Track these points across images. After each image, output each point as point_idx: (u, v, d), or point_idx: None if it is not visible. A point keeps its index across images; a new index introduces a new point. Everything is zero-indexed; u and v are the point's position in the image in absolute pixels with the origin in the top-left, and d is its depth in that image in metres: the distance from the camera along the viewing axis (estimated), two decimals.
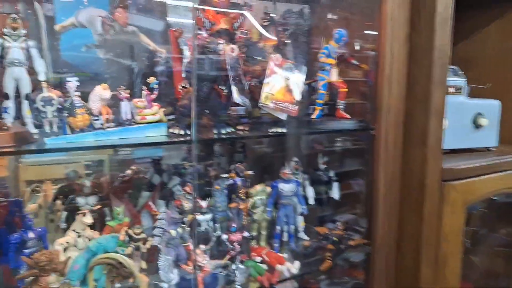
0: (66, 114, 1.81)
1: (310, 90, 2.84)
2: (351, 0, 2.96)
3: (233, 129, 2.25)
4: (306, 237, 2.82)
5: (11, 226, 2.13)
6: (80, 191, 2.32)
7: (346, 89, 2.68)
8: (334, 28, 2.66)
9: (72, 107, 1.82)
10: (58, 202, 2.40)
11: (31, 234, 2.07)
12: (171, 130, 2.12)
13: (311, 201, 2.84)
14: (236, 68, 2.13)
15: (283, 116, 2.30)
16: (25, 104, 1.92)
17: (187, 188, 2.45)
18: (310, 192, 2.84)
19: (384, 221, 2.59)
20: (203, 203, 2.39)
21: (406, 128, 2.59)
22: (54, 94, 1.78)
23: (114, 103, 2.01)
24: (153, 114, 2.07)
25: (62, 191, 2.44)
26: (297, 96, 2.27)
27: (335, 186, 2.92)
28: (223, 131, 2.22)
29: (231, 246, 2.33)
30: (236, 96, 2.07)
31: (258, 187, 2.66)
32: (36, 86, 2.06)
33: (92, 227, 2.21)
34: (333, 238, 2.78)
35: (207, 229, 2.41)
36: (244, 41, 2.67)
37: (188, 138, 2.11)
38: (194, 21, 2.25)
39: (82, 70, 2.17)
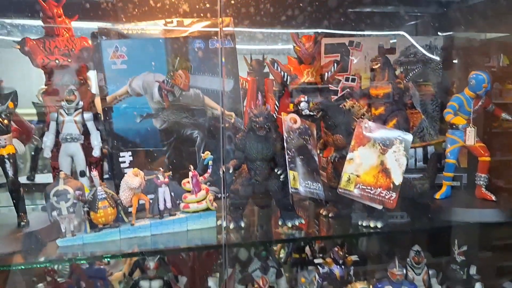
0: (86, 209, 1.53)
1: (434, 157, 2.08)
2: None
3: (302, 221, 1.68)
4: None
5: None
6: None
7: (488, 158, 1.84)
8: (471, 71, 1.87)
9: (94, 200, 1.53)
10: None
11: None
12: (219, 223, 1.67)
13: None
14: (302, 143, 1.57)
15: (378, 206, 1.63)
16: None
17: (261, 282, 1.97)
18: None
19: None
20: None
21: None
22: (71, 185, 1.52)
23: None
24: (198, 202, 1.66)
25: (138, 265, 2.20)
26: (397, 179, 1.58)
27: None
28: (290, 224, 1.67)
29: None
30: (293, 186, 1.51)
31: (359, 286, 2.00)
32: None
33: None
34: None
35: None
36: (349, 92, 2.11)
37: (242, 231, 1.64)
38: None
39: (136, 143, 1.90)
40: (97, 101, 1.93)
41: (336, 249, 2.19)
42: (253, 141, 1.58)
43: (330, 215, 1.83)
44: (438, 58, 2.34)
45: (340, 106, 1.71)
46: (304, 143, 1.59)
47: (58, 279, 1.99)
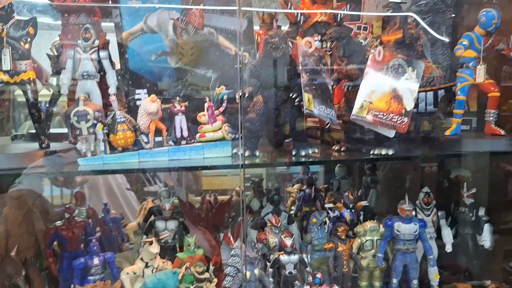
0: (106, 131, 1.57)
1: (446, 96, 2.10)
2: None
3: (315, 150, 1.72)
4: None
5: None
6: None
7: (498, 94, 1.87)
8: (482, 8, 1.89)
9: (113, 123, 1.57)
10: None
11: (96, 261, 1.90)
12: (235, 151, 1.71)
13: (449, 247, 2.07)
14: (316, 69, 1.60)
15: (389, 133, 1.66)
16: None
17: (273, 220, 2.01)
18: (447, 235, 2.08)
19: None
20: (288, 241, 1.90)
21: None
22: (91, 107, 1.56)
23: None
24: (214, 131, 1.70)
25: (153, 212, 2.24)
26: (409, 105, 1.61)
27: (487, 230, 2.07)
28: (303, 153, 1.71)
29: None
30: (307, 107, 1.54)
31: (369, 224, 2.04)
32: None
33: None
34: None
35: (292, 273, 1.91)
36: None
37: (257, 160, 1.67)
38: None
39: (151, 80, 1.93)
40: None
41: (346, 193, 2.23)
42: (268, 67, 1.61)
43: (342, 149, 1.86)
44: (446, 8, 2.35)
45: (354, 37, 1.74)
46: (319, 70, 1.62)
47: (76, 218, 2.04)
